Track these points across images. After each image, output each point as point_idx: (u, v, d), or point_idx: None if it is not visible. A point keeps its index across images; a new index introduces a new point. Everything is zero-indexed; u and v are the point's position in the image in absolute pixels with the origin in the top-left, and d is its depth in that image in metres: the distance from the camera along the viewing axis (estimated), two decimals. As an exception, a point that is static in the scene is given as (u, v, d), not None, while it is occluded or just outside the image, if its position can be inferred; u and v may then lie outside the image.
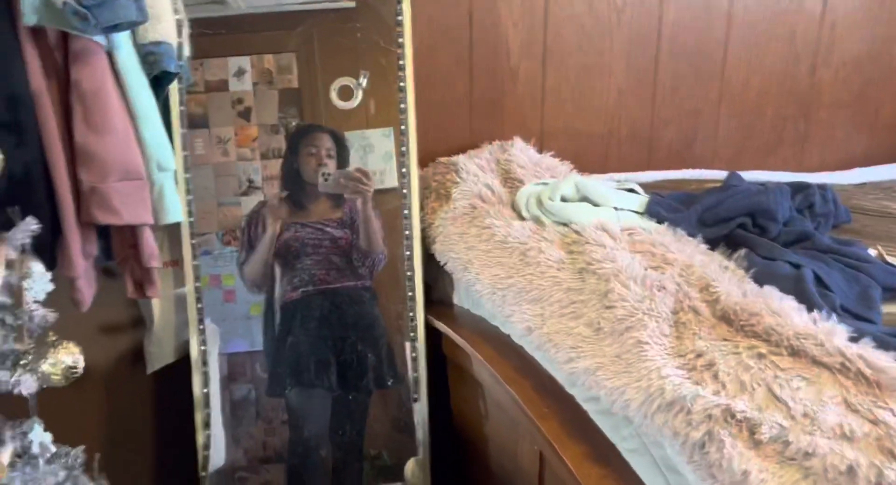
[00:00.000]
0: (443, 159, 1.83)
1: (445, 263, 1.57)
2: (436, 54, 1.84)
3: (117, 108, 1.31)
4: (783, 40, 2.10)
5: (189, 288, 1.56)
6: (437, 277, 1.70)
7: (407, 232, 1.58)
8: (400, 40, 1.56)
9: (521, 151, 1.83)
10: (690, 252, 1.35)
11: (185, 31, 1.48)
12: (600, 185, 1.55)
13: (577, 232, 1.42)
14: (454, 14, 1.82)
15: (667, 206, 1.54)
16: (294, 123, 1.64)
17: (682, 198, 1.62)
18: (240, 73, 1.53)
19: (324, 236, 1.64)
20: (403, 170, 1.62)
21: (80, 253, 1.35)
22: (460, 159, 1.77)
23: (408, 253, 1.60)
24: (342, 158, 1.64)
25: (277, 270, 1.65)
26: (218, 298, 1.64)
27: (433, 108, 1.88)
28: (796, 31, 2.10)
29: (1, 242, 1.10)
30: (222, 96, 1.53)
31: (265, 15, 1.52)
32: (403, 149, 1.62)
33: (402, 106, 1.60)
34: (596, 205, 1.52)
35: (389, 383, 1.67)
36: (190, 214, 1.53)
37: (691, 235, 1.43)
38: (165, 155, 1.41)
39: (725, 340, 1.07)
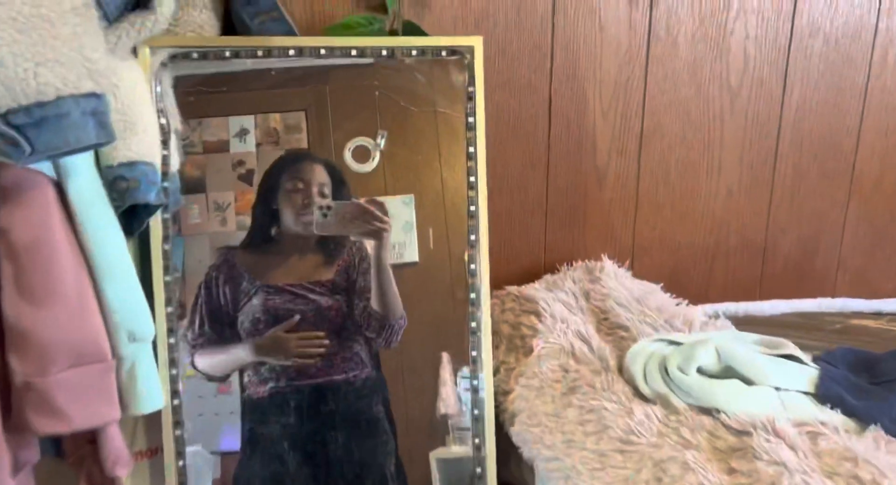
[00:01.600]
0: (513, 290, 1.39)
1: (533, 461, 1.12)
2: (503, 151, 1.42)
3: (66, 266, 0.89)
4: (925, 126, 1.68)
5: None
6: (507, 455, 1.25)
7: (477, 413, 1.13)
8: (471, 145, 1.13)
9: (615, 280, 1.39)
10: (909, 473, 0.90)
11: (175, 139, 1.07)
12: (749, 351, 1.11)
13: (735, 431, 0.98)
14: (529, 101, 1.40)
15: (845, 382, 1.10)
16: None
17: (856, 361, 1.18)
18: (242, 133, 1.31)
19: (306, 306, 1.17)
20: (472, 296, 1.16)
21: (10, 468, 0.92)
22: (538, 293, 1.34)
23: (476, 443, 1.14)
24: (339, 197, 1.19)
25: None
26: (210, 390, 1.23)
27: (498, 218, 1.46)
28: (941, 114, 1.68)
29: None
30: (222, 158, 1.31)
31: (272, 71, 1.25)
32: (473, 271, 1.17)
33: (472, 208, 1.16)
34: (746, 380, 1.08)
35: None
36: (169, 302, 1.09)
37: (893, 434, 0.99)
38: (140, 320, 0.98)
39: None
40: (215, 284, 1.17)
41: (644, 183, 1.52)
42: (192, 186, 1.29)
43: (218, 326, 1.17)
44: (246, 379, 1.18)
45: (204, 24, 1.06)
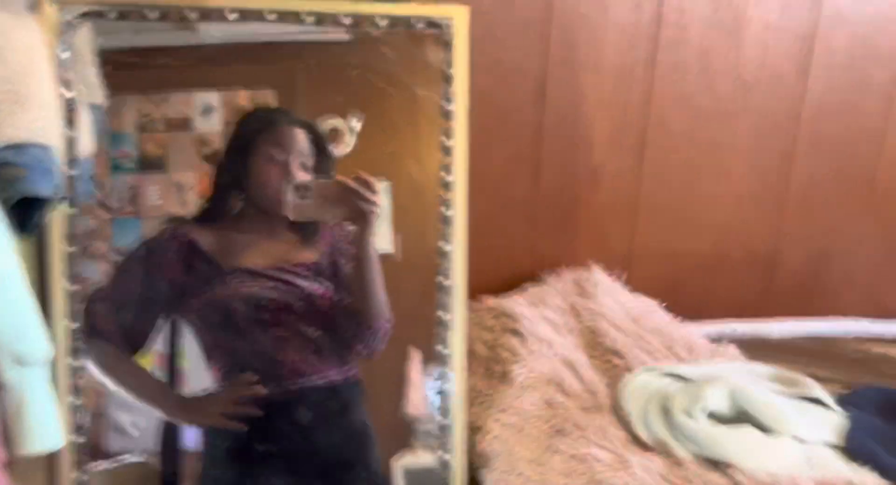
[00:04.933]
0: (492, 303, 1.22)
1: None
2: (488, 146, 1.23)
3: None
4: (952, 132, 1.52)
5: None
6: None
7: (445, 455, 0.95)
8: (447, 126, 0.95)
9: (608, 294, 1.22)
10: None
11: (91, 117, 0.87)
12: (767, 393, 0.94)
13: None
14: (518, 88, 1.22)
15: (877, 433, 0.93)
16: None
17: (885, 403, 1.02)
18: (207, 110, 1.18)
19: (292, 294, 0.94)
20: (446, 316, 0.97)
21: None
22: (521, 309, 1.16)
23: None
24: (322, 172, 0.98)
25: (205, 357, 0.96)
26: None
27: (477, 219, 1.27)
28: (969, 119, 1.52)
29: None
30: (185, 137, 1.18)
31: (241, 46, 1.12)
32: (444, 293, 0.98)
33: (447, 213, 0.98)
34: (762, 427, 0.92)
35: None
36: (73, 316, 0.90)
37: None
38: (28, 340, 0.79)
39: None
40: (153, 265, 0.94)
41: (644, 185, 1.35)
42: (153, 165, 1.17)
43: (134, 321, 0.94)
44: (214, 387, 0.96)
45: (125, -23, 0.87)
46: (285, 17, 0.90)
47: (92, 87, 0.94)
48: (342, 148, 1.07)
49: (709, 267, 1.46)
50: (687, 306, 1.46)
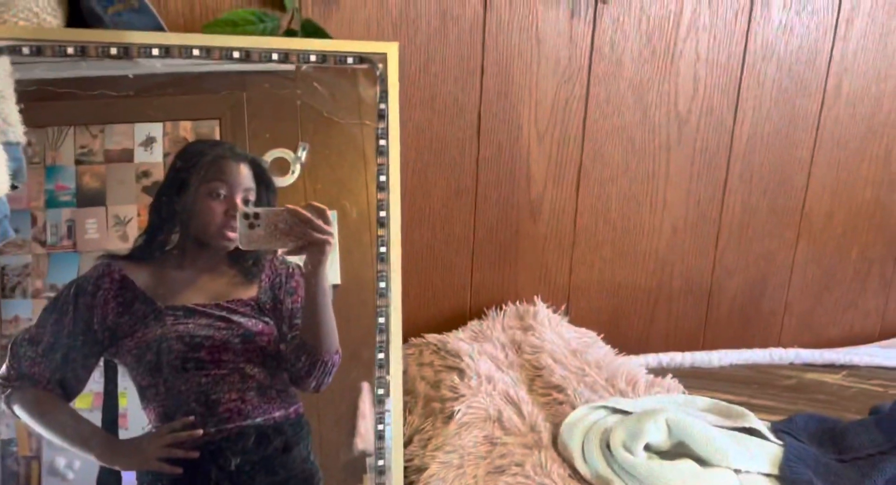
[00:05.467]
0: (433, 339, 1.20)
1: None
2: (425, 180, 1.23)
3: None
4: (877, 162, 1.57)
5: None
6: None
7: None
8: (382, 174, 0.94)
9: (549, 328, 1.21)
10: None
11: (2, 153, 0.84)
12: (705, 426, 0.94)
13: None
14: (455, 122, 1.21)
15: (812, 462, 0.94)
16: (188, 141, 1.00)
17: (819, 431, 1.03)
18: (149, 141, 1.13)
19: (230, 332, 0.91)
20: (380, 356, 0.95)
21: None
22: (462, 345, 1.15)
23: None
24: (265, 204, 0.94)
25: (140, 398, 0.92)
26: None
27: (417, 255, 1.27)
28: (892, 149, 1.58)
29: None
30: (125, 168, 1.14)
31: (184, 76, 1.07)
32: (381, 326, 0.96)
33: (382, 250, 0.96)
34: (701, 460, 0.91)
35: None
36: None
37: (872, 527, 0.84)
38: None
39: None
40: (83, 304, 0.90)
41: (582, 218, 1.35)
42: (91, 198, 1.11)
43: (65, 365, 0.90)
44: (150, 428, 0.92)
45: (42, 11, 0.84)
46: (212, 53, 0.88)
47: (10, 124, 0.90)
48: (289, 178, 1.05)
49: (649, 299, 1.47)
50: (629, 338, 1.48)
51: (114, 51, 0.85)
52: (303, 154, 1.03)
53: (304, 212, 0.88)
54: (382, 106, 0.93)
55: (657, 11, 1.29)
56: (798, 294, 1.61)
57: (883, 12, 1.46)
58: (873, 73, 1.49)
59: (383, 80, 0.92)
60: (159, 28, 0.90)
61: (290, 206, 0.88)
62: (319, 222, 0.88)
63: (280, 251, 0.93)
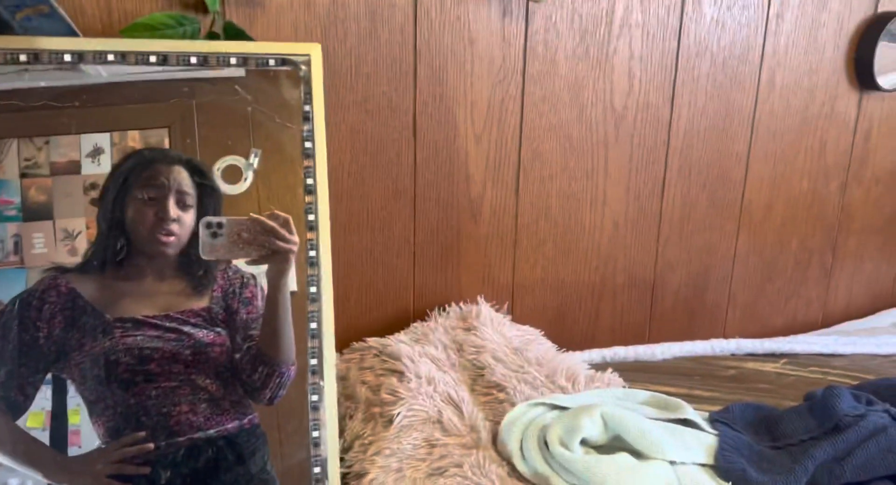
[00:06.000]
0: (374, 343, 1.19)
1: (389, 565, 0.91)
2: (362, 182, 1.22)
3: None
4: (812, 153, 1.61)
5: None
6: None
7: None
8: (308, 176, 0.93)
9: (492, 329, 1.21)
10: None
11: None
12: (640, 419, 0.94)
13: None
14: (390, 124, 1.21)
15: (746, 450, 0.95)
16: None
17: (756, 419, 1.04)
18: (96, 152, 1.10)
19: (180, 343, 0.89)
20: (313, 362, 0.94)
21: None
22: (402, 347, 1.14)
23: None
24: (210, 209, 0.94)
25: (88, 413, 0.90)
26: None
27: (358, 259, 1.25)
28: (827, 141, 1.62)
29: None
30: (72, 181, 1.10)
31: (131, 85, 1.05)
32: (314, 331, 0.95)
33: (311, 254, 0.95)
34: (637, 453, 0.92)
35: None
36: None
37: (804, 512, 0.85)
38: None
39: None
40: (28, 319, 0.88)
41: (523, 217, 1.36)
42: (38, 212, 1.09)
43: (10, 382, 0.88)
44: (100, 444, 0.89)
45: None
46: (128, 57, 0.86)
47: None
48: (241, 185, 1.03)
49: (593, 295, 1.47)
50: (573, 336, 1.48)
51: (23, 57, 0.82)
52: (255, 160, 1.02)
53: (267, 221, 0.87)
54: (307, 108, 0.92)
55: (589, 9, 1.30)
56: (741, 286, 1.63)
57: (812, 6, 1.50)
58: (805, 66, 1.52)
59: (307, 81, 0.91)
60: (72, 33, 0.88)
61: (253, 215, 0.88)
62: (283, 232, 0.88)
63: (244, 261, 0.92)
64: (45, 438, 0.93)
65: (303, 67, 0.91)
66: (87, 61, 0.84)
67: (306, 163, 0.93)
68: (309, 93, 0.91)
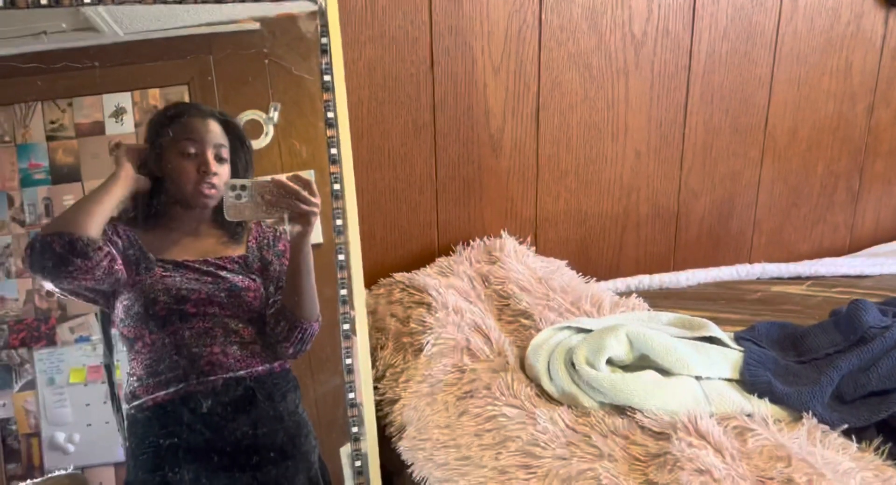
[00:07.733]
0: (401, 277, 1.21)
1: (424, 482, 0.94)
2: (382, 119, 1.22)
3: None
4: (838, 75, 1.58)
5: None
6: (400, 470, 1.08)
7: (354, 421, 0.94)
8: (329, 110, 0.93)
9: (515, 259, 1.23)
10: (848, 469, 0.78)
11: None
12: (665, 336, 0.96)
13: (653, 434, 0.83)
14: (407, 58, 1.21)
15: (772, 364, 0.96)
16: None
17: (781, 336, 1.05)
18: (119, 112, 1.13)
19: (216, 286, 0.94)
20: (343, 293, 0.96)
21: None
22: (429, 280, 1.16)
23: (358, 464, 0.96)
24: (241, 163, 0.97)
25: (125, 351, 0.94)
26: (98, 396, 1.01)
27: (380, 196, 1.27)
28: (853, 61, 1.58)
29: None
30: (98, 141, 1.12)
31: (148, 42, 1.09)
32: (342, 263, 0.97)
33: (336, 188, 0.97)
34: (663, 370, 0.94)
35: None
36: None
37: (827, 421, 0.87)
38: None
39: None
40: (105, 245, 0.91)
41: (544, 149, 1.36)
42: (66, 174, 1.11)
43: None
44: (133, 386, 0.94)
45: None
46: (144, -5, 0.86)
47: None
48: (262, 140, 1.05)
49: (616, 226, 1.48)
50: (597, 267, 1.49)
51: (44, 0, 0.83)
52: (275, 114, 1.03)
53: (290, 184, 0.90)
54: (325, 40, 0.92)
55: (605, -67, 1.27)
56: (766, 212, 1.62)
57: (836, -80, 1.45)
58: (830, -16, 1.49)
59: (322, 14, 0.91)
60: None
61: (276, 177, 0.91)
62: (306, 194, 0.90)
63: (268, 221, 0.95)
64: (91, 395, 0.98)
65: (318, 0, 0.91)
66: (105, 2, 0.84)
67: (326, 97, 0.93)
68: (325, 25, 0.91)
